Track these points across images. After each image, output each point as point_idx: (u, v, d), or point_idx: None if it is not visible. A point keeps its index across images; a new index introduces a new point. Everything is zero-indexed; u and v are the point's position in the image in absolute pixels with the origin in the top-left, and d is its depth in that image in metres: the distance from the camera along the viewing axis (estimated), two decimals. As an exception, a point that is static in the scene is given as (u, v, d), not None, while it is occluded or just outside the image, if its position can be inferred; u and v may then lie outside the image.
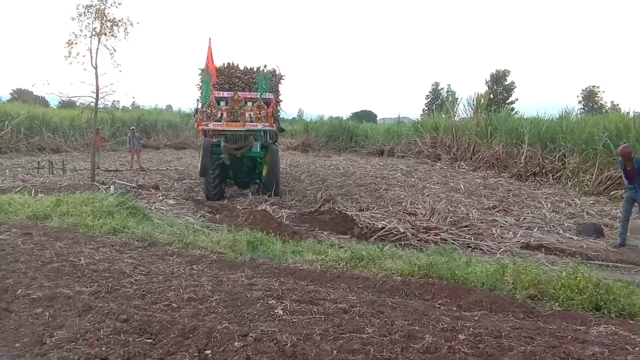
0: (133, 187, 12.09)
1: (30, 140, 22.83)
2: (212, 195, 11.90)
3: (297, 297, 4.37)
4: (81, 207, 8.10)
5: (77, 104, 16.25)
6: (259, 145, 12.08)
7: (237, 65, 14.34)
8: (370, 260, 5.43)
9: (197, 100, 13.99)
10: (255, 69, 14.20)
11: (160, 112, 36.46)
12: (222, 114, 11.79)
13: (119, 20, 11.63)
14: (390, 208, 11.32)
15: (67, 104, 34.79)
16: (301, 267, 5.46)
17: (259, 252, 6.13)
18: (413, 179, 17.51)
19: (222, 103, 12.15)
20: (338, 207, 10.56)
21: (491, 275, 4.67)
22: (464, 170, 20.66)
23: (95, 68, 11.74)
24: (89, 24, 11.56)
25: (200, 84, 13.50)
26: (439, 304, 4.30)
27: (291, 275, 5.21)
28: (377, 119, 55.99)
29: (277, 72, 14.42)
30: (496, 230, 8.75)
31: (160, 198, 11.32)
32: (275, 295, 4.45)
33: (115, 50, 11.84)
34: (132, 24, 11.81)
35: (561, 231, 9.38)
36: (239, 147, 11.80)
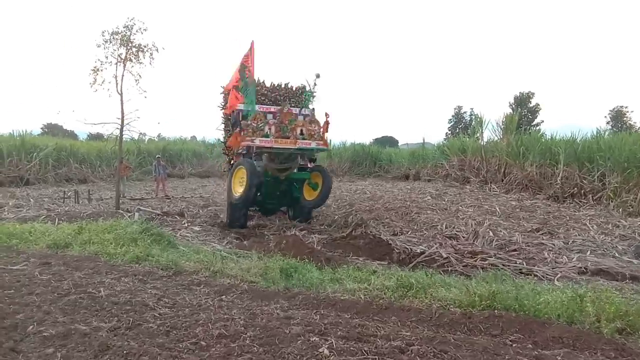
0: (158, 214, 11.74)
1: (57, 171, 22.97)
2: (238, 223, 10.76)
3: (343, 333, 3.80)
4: (103, 234, 7.73)
5: (105, 136, 16.28)
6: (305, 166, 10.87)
7: (264, 81, 13.46)
8: (420, 289, 4.82)
9: (225, 119, 13.18)
10: (282, 86, 13.44)
11: (185, 142, 36.69)
12: (269, 129, 10.17)
13: (145, 46, 11.51)
14: (425, 232, 10.67)
15: (95, 137, 35.40)
16: (342, 298, 4.89)
17: (294, 281, 5.58)
18: (444, 202, 16.78)
19: (270, 117, 10.69)
20: (370, 232, 9.96)
21: (567, 306, 4.01)
22: (495, 192, 19.82)
23: (121, 94, 11.61)
24: (114, 50, 11.48)
25: (239, 89, 11.10)
26: (510, 341, 3.66)
27: (332, 307, 4.64)
28: (399, 144, 55.41)
29: (308, 88, 13.36)
30: (548, 255, 8.01)
31: (186, 225, 10.93)
32: (317, 331, 3.88)
33: (140, 77, 11.70)
34: (157, 50, 11.67)
35: (616, 254, 8.58)
36: (285, 167, 10.42)
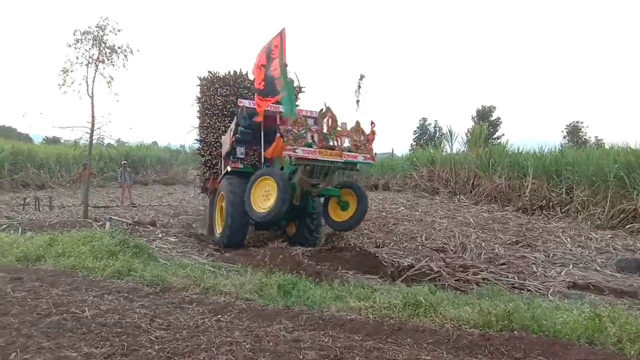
0: (129, 224, 11.19)
1: (14, 176, 21.76)
2: (235, 241, 9.14)
3: (361, 359, 3.57)
4: (78, 246, 7.21)
5: (62, 140, 15.56)
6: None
7: (246, 73, 12.48)
8: (429, 307, 4.65)
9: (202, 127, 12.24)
10: None
11: (149, 147, 35.69)
12: (312, 137, 8.40)
13: (119, 48, 11.00)
14: (406, 244, 10.59)
15: (52, 140, 33.90)
16: (349, 317, 4.65)
17: (293, 298, 5.30)
18: (418, 213, 16.84)
19: (310, 122, 8.80)
20: (354, 244, 9.79)
21: (587, 326, 3.93)
22: (465, 204, 20.05)
23: (92, 97, 11.04)
24: (86, 50, 10.92)
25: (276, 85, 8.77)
26: (535, 365, 3.54)
27: (340, 328, 4.40)
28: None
29: (296, 83, 12.46)
30: (537, 269, 8.05)
31: (160, 235, 10.46)
32: (332, 356, 3.65)
33: (113, 79, 11.18)
34: (132, 52, 11.18)
35: (598, 268, 8.75)
36: (318, 183, 8.55)
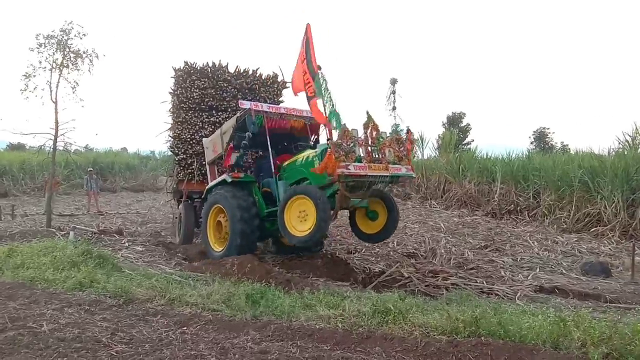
0: (94, 233, 10.87)
1: (-26, 183, 20.97)
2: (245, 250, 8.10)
3: (329, 368, 3.51)
4: (39, 257, 6.94)
5: (27, 147, 15.09)
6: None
7: (227, 65, 11.56)
8: (398, 314, 4.62)
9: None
10: (250, 72, 11.67)
11: (118, 154, 34.92)
12: (360, 150, 7.35)
13: (84, 52, 10.72)
14: (378, 249, 10.63)
15: (17, 147, 32.79)
16: (318, 326, 4.58)
17: (261, 308, 5.20)
18: (390, 219, 16.92)
19: (359, 133, 7.57)
20: (326, 250, 9.74)
21: (552, 331, 3.96)
22: (436, 208, 20.31)
23: (55, 103, 10.72)
24: (49, 55, 10.60)
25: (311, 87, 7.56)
26: (503, 371, 3.54)
27: (309, 337, 4.33)
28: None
29: (281, 78, 11.94)
30: (505, 273, 8.15)
31: (126, 244, 10.18)
32: (299, 367, 3.56)
33: (78, 84, 10.87)
34: (97, 56, 10.91)
35: (564, 271, 8.94)
36: (358, 198, 7.66)
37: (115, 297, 5.62)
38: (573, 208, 14.91)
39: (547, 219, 15.62)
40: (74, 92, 10.89)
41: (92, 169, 19.58)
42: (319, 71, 7.27)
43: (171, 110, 11.92)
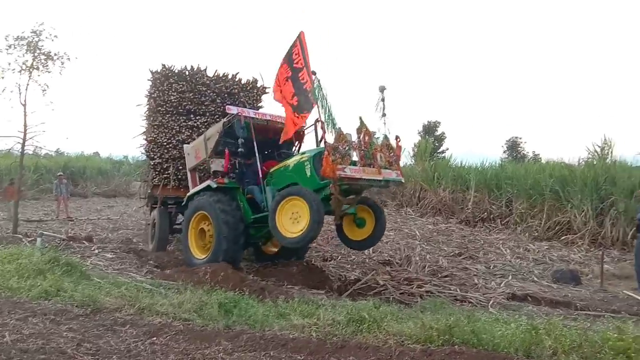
0: (62, 239, 10.55)
1: None
2: (232, 258, 7.98)
3: (302, 379, 3.45)
4: (3, 265, 6.68)
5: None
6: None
7: (205, 69, 11.38)
8: (372, 323, 4.59)
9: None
10: (230, 77, 11.53)
11: (90, 158, 34.19)
12: (355, 154, 7.43)
13: (55, 54, 10.45)
14: (354, 257, 10.62)
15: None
16: (292, 336, 4.51)
17: (234, 317, 5.10)
18: (366, 226, 16.96)
19: (353, 137, 7.58)
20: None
21: (524, 339, 3.99)
22: (411, 216, 20.48)
23: (24, 105, 10.40)
24: (19, 57, 10.30)
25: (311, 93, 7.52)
26: (476, 380, 3.54)
27: (282, 347, 4.26)
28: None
29: (261, 84, 11.72)
30: (478, 281, 8.24)
31: (96, 251, 9.90)
32: (272, 378, 3.49)
33: (48, 87, 10.58)
34: (69, 59, 10.65)
35: (535, 279, 9.09)
36: (347, 202, 7.62)
37: (82, 307, 5.43)
38: (544, 216, 15.22)
39: (519, 226, 15.90)
40: (44, 94, 10.59)
41: (62, 174, 19.10)
42: (313, 76, 7.33)
43: (147, 113, 11.69)
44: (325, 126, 7.29)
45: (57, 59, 10.54)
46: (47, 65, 10.40)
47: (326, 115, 7.33)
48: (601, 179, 13.82)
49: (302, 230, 6.96)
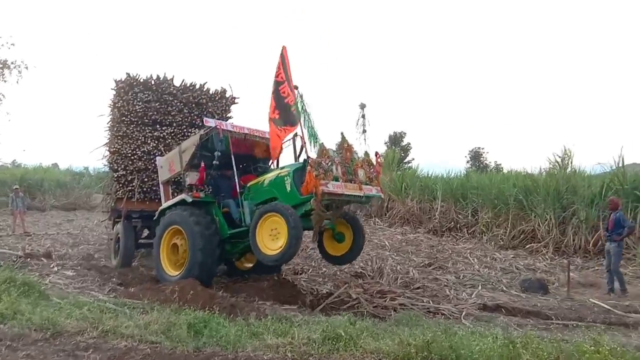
0: (19, 257, 10.04)
1: None
2: (207, 281, 7.76)
3: (278, 404, 3.30)
4: (-48, 287, 6.25)
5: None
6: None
7: (172, 78, 11.20)
8: (349, 340, 4.48)
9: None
10: (197, 86, 11.30)
11: (48, 170, 32.91)
12: (337, 169, 7.32)
13: (12, 63, 10.02)
14: (325, 269, 10.52)
15: None
16: (266, 357, 4.36)
17: (204, 338, 4.89)
18: (335, 237, 16.91)
19: (333, 153, 7.58)
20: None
21: (502, 353, 3.97)
22: (380, 226, 20.58)
23: (-23, 115, 9.90)
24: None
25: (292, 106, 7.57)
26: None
27: (257, 369, 4.09)
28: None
29: (230, 94, 11.63)
30: (449, 292, 8.26)
31: (55, 269, 9.45)
32: (247, 403, 3.33)
33: (4, 97, 10.11)
34: (27, 67, 10.22)
35: (504, 288, 9.21)
36: (328, 217, 7.53)
37: (41, 330, 5.12)
38: (509, 225, 15.53)
39: (485, 236, 16.18)
40: (0, 104, 10.12)
41: (18, 187, 18.26)
42: (296, 91, 7.39)
43: (110, 124, 11.31)
44: (308, 141, 7.35)
45: (14, 67, 10.10)
46: (3, 74, 9.95)
47: (309, 130, 7.40)
48: (562, 188, 14.21)
49: (281, 247, 6.88)
